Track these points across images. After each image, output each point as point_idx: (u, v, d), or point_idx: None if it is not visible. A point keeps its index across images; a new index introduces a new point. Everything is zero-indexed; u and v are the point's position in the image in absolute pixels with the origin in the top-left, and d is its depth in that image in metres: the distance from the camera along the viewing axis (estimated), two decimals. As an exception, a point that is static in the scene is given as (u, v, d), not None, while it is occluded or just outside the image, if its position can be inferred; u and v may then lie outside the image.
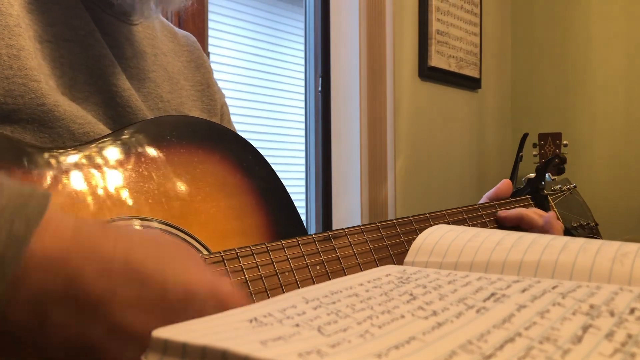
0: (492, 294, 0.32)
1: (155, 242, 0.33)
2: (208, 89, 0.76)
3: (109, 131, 0.57)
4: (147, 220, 0.51)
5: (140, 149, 0.54)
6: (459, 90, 2.38)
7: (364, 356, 0.23)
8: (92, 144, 0.52)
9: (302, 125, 2.10)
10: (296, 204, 0.65)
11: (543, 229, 0.76)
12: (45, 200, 0.30)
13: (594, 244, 0.43)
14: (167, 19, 0.77)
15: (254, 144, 0.65)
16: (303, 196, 2.05)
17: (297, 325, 0.27)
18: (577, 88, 2.50)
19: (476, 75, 2.42)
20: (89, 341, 0.29)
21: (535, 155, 2.19)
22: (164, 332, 0.25)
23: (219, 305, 0.32)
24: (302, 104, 2.10)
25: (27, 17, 0.54)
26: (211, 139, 0.60)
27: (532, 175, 0.95)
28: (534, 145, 2.20)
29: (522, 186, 0.96)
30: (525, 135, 1.09)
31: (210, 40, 1.76)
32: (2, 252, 0.27)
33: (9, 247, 0.27)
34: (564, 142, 2.16)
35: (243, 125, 2.01)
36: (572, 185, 1.05)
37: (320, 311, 0.29)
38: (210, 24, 1.76)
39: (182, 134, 0.57)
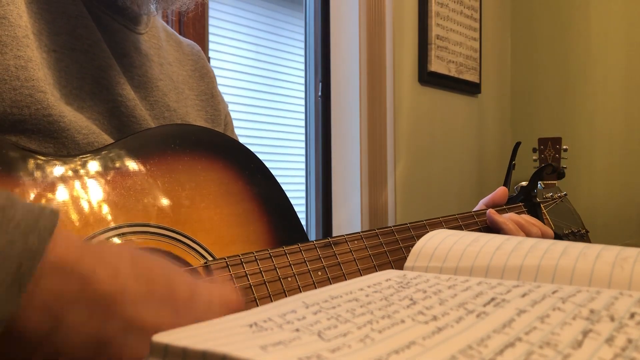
0: (492, 299, 0.32)
1: (155, 257, 0.35)
2: (212, 99, 0.76)
3: (113, 141, 0.57)
4: (149, 226, 0.52)
5: (145, 157, 0.54)
6: (459, 95, 2.39)
7: (364, 361, 0.23)
8: (98, 152, 0.52)
9: (303, 130, 2.10)
10: (296, 209, 0.66)
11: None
12: (54, 216, 0.31)
13: (593, 248, 0.43)
14: (167, 22, 0.78)
15: (255, 148, 0.65)
16: (303, 201, 2.05)
17: (297, 330, 0.27)
18: (577, 93, 2.50)
19: (476, 80, 2.43)
20: (105, 339, 0.30)
21: (535, 160, 2.19)
22: (164, 337, 0.26)
23: (223, 302, 0.35)
24: (303, 109, 2.10)
25: (35, 26, 0.54)
26: (214, 147, 0.61)
27: (525, 183, 0.98)
28: (534, 150, 2.20)
29: (515, 194, 0.98)
30: (517, 144, 1.11)
31: (211, 46, 1.76)
32: (18, 264, 0.28)
33: (25, 260, 0.29)
34: (564, 147, 2.16)
35: (243, 130, 2.01)
36: (562, 194, 1.09)
37: (321, 316, 0.29)
38: (211, 29, 1.77)
39: (185, 143, 0.58)
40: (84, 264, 0.31)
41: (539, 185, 1.01)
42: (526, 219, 0.81)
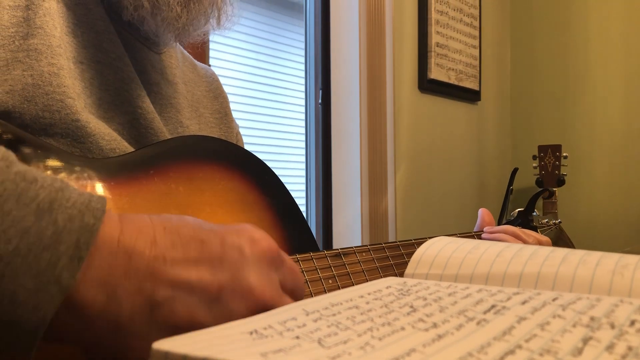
0: (493, 306, 0.32)
1: (180, 216, 0.39)
2: (225, 117, 0.81)
3: (133, 149, 0.60)
4: None
5: (167, 165, 0.57)
6: (459, 103, 2.39)
7: (364, 368, 0.23)
8: (123, 157, 0.55)
9: (303, 137, 2.10)
10: (298, 216, 0.68)
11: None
12: (103, 199, 0.35)
13: (593, 256, 0.43)
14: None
15: (255, 155, 0.67)
16: (303, 208, 2.05)
17: (298, 337, 0.27)
18: (576, 100, 2.51)
19: (476, 88, 2.43)
20: (156, 303, 0.33)
21: (535, 167, 2.20)
22: (164, 344, 0.26)
23: (251, 242, 0.38)
24: (303, 116, 2.11)
25: (66, 38, 0.57)
26: (231, 158, 0.64)
27: (522, 209, 1.04)
28: (534, 158, 2.21)
29: (512, 218, 1.04)
30: (515, 170, 1.19)
31: (211, 53, 1.77)
32: (77, 238, 0.32)
33: (82, 234, 0.32)
34: (564, 154, 2.16)
35: (244, 137, 2.01)
36: (557, 221, 1.20)
37: (321, 323, 0.29)
38: (211, 37, 1.77)
39: (205, 153, 0.61)
40: (126, 239, 0.34)
41: (534, 212, 1.08)
42: (521, 229, 0.84)
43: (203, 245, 0.36)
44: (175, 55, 0.74)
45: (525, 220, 1.01)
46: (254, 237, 0.38)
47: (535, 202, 1.04)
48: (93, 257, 0.32)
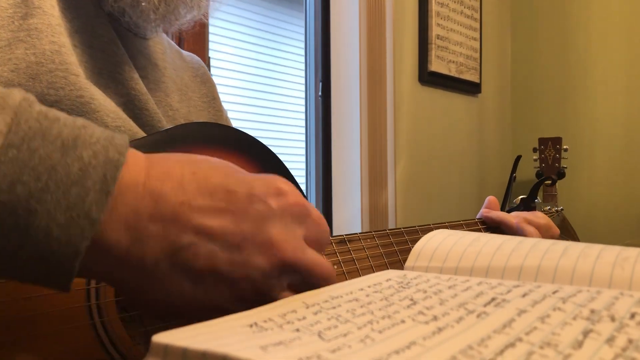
0: (493, 299, 0.32)
1: (211, 161, 0.39)
2: (214, 101, 0.81)
3: (138, 127, 0.61)
4: None
5: (180, 150, 0.58)
6: (459, 95, 2.39)
7: (364, 361, 0.23)
8: (136, 142, 0.55)
9: (303, 130, 2.10)
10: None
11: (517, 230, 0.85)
12: (125, 136, 0.35)
13: (594, 249, 0.43)
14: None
15: (254, 148, 0.68)
16: (303, 201, 2.04)
17: (298, 330, 0.27)
18: (577, 92, 2.50)
19: (476, 80, 2.43)
20: (179, 247, 0.34)
21: (535, 160, 2.19)
22: (164, 337, 0.25)
23: (278, 195, 0.38)
24: (303, 109, 2.10)
25: (61, 22, 0.58)
26: (240, 145, 0.65)
27: (524, 196, 1.06)
28: (534, 150, 2.20)
29: (515, 205, 1.06)
30: (518, 158, 1.20)
31: (211, 45, 1.76)
32: (103, 173, 0.32)
33: (108, 169, 0.32)
34: (564, 147, 2.16)
35: (244, 130, 2.01)
36: (559, 208, 1.21)
37: (321, 316, 0.29)
38: (211, 29, 1.77)
39: (214, 139, 0.62)
40: (153, 182, 0.34)
41: (536, 199, 1.09)
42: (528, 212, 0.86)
43: (230, 195, 0.36)
44: (162, 42, 0.75)
45: (527, 208, 1.02)
46: (281, 190, 0.38)
47: (538, 189, 1.05)
48: (118, 199, 0.33)
